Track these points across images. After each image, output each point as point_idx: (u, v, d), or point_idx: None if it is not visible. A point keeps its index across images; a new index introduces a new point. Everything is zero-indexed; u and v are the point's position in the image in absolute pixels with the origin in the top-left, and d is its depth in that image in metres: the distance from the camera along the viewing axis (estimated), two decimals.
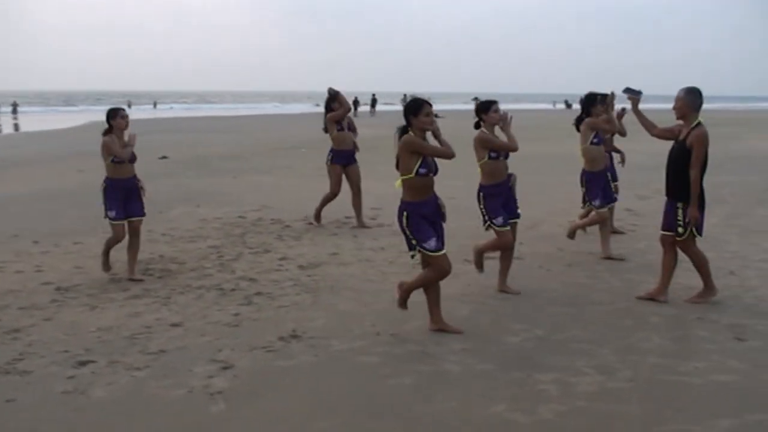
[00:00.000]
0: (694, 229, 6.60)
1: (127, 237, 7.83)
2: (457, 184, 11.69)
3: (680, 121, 6.70)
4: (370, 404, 4.74)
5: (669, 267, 6.86)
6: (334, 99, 10.44)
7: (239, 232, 10.17)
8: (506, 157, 6.98)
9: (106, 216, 7.76)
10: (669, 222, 6.75)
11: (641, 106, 7.10)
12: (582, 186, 8.56)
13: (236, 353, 5.59)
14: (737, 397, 4.79)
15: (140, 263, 8.25)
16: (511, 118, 6.95)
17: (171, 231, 10.23)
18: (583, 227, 9.01)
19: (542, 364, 5.33)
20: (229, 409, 4.66)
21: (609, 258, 8.44)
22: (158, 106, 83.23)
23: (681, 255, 6.86)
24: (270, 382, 5.08)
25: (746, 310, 6.60)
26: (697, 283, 7.13)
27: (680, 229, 6.63)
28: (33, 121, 50.66)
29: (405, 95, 55.76)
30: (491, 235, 7.10)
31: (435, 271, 5.80)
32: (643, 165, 17.19)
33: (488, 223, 6.95)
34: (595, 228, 8.88)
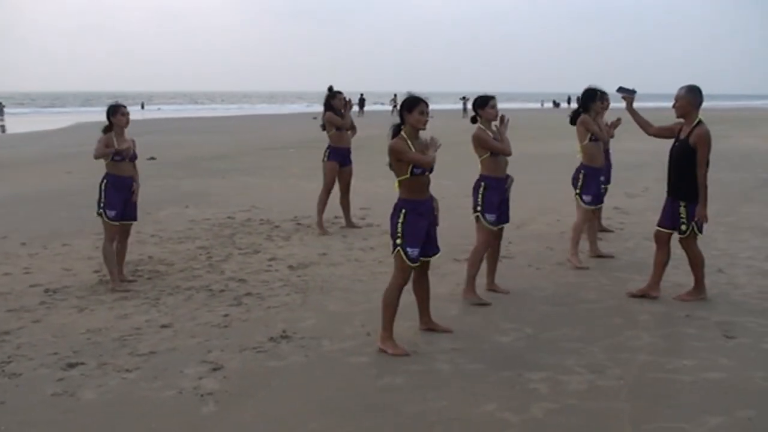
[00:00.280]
0: (697, 229, 6.61)
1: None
2: (446, 183, 11.72)
3: (681, 119, 6.68)
4: (361, 404, 4.74)
5: (661, 263, 6.89)
6: (333, 96, 10.42)
7: (228, 233, 10.15)
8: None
9: (102, 214, 7.49)
10: (668, 219, 6.75)
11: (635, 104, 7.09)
12: (576, 180, 8.30)
13: (226, 354, 5.58)
14: (726, 394, 4.82)
15: (129, 264, 8.22)
16: (507, 120, 6.91)
17: (160, 232, 10.20)
18: (577, 240, 8.71)
19: (532, 362, 5.35)
20: (219, 411, 4.65)
21: (598, 256, 8.46)
22: (146, 107, 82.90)
23: (672, 252, 6.88)
24: (260, 382, 5.07)
25: (734, 307, 6.64)
26: (686, 281, 7.17)
27: (683, 227, 6.64)
28: (20, 122, 50.40)
29: (395, 95, 55.75)
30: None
31: (397, 284, 5.60)
32: (630, 163, 17.30)
33: (478, 214, 6.84)
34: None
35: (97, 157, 7.50)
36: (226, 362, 5.41)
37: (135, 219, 7.82)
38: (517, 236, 9.52)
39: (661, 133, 7.01)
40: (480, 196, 6.84)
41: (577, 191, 8.24)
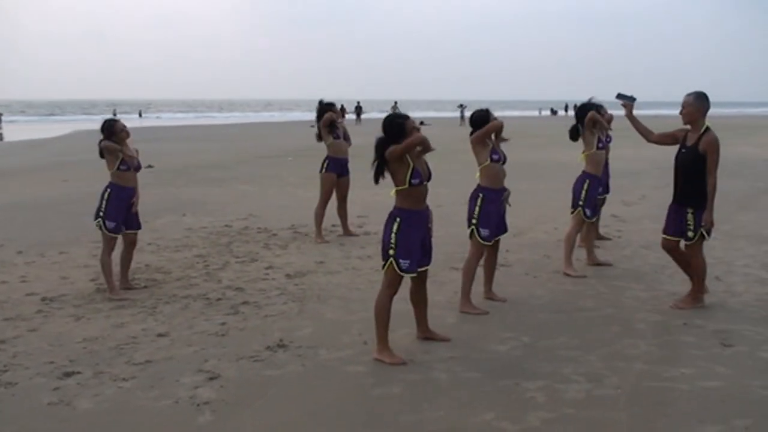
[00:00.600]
0: (705, 233, 6.61)
1: (122, 248, 7.74)
2: (443, 192, 11.72)
3: (685, 127, 6.67)
4: (357, 413, 4.73)
5: (687, 266, 6.85)
6: (325, 110, 10.38)
7: (225, 241, 10.14)
8: (504, 162, 6.91)
9: (100, 224, 7.47)
10: (675, 227, 6.72)
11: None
12: (579, 192, 8.15)
13: (223, 363, 5.56)
14: (724, 402, 4.81)
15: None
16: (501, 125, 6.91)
17: (157, 240, 10.19)
18: (589, 243, 8.64)
19: (530, 371, 5.34)
20: (216, 420, 4.64)
21: (596, 264, 8.46)
22: (145, 114, 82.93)
23: (664, 259, 6.88)
24: (257, 391, 5.06)
25: (732, 315, 6.64)
26: (682, 289, 7.17)
27: (690, 234, 6.64)
28: (18, 130, 50.39)
29: (396, 103, 55.82)
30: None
31: (386, 294, 5.56)
32: (627, 171, 17.33)
33: (473, 227, 6.81)
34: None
35: (127, 164, 7.49)
36: (223, 371, 5.40)
37: (139, 228, 7.81)
38: (515, 244, 9.52)
39: (662, 140, 6.98)
40: (477, 208, 6.79)
41: (581, 203, 8.13)
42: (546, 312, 6.80)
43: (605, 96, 8.32)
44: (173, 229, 11.03)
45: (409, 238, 5.48)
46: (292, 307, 7.01)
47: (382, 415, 4.70)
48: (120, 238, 7.68)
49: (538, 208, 12.48)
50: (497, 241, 7.06)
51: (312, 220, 10.36)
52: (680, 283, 7.46)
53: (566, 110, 77.06)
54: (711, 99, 6.65)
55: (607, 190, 9.20)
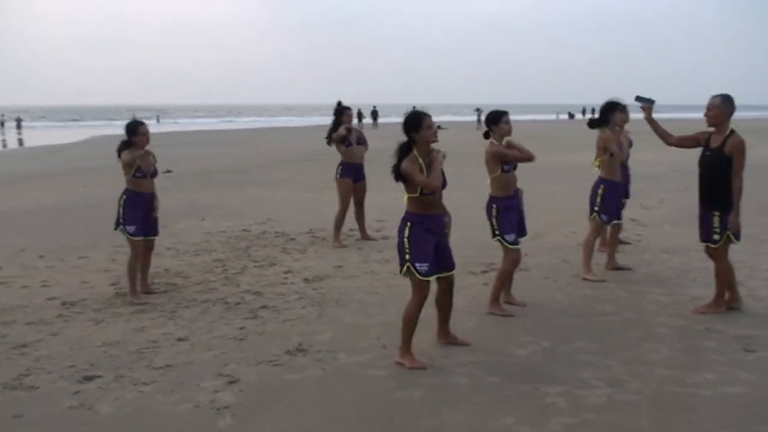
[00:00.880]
0: (732, 237, 6.54)
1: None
2: (460, 195, 11.69)
3: (709, 129, 6.60)
4: (377, 418, 4.72)
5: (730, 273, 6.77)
6: (342, 112, 10.37)
7: (244, 246, 10.17)
8: (515, 169, 6.89)
9: (121, 229, 7.51)
10: (708, 232, 6.65)
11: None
12: (595, 197, 8.12)
13: (242, 367, 5.57)
14: (746, 408, 4.76)
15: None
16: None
17: (176, 245, 10.23)
18: (612, 248, 8.59)
19: (550, 376, 5.31)
20: (235, 424, 4.65)
21: (615, 269, 8.40)
22: (162, 120, 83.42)
23: (686, 263, 6.82)
24: (277, 396, 5.06)
25: (755, 320, 6.57)
26: (703, 294, 7.11)
27: (716, 236, 6.57)
28: (37, 136, 50.86)
29: (414, 108, 55.79)
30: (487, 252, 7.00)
31: (416, 301, 5.52)
32: (646, 174, 17.20)
33: (498, 237, 6.80)
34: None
35: (128, 173, 7.47)
36: (243, 375, 5.41)
37: (157, 234, 7.83)
38: (533, 248, 9.48)
39: (682, 143, 6.90)
40: (494, 219, 6.77)
41: (596, 208, 8.09)
42: (565, 316, 6.76)
43: (623, 99, 8.25)
44: (192, 234, 11.08)
45: (422, 242, 5.44)
46: (311, 311, 7.02)
47: (403, 419, 4.68)
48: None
49: (556, 212, 12.43)
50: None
51: (330, 224, 10.37)
52: (702, 287, 7.40)
53: (583, 114, 76.82)
54: (738, 101, 6.60)
55: (626, 195, 9.12)
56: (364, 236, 10.50)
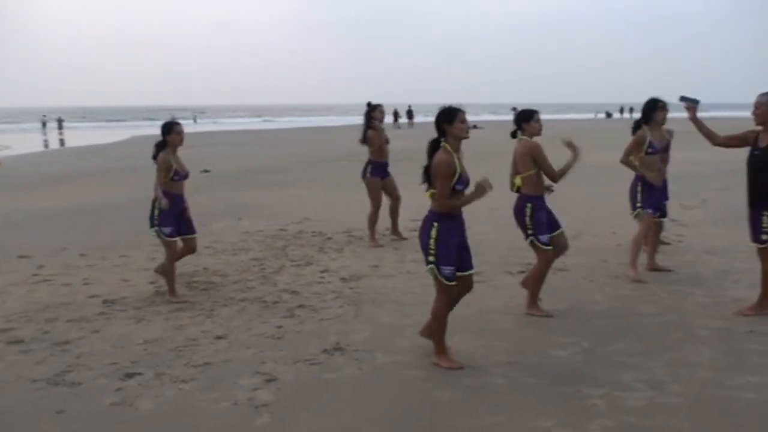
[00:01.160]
0: None
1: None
2: (496, 194, 11.62)
3: (758, 127, 6.46)
4: (414, 418, 4.71)
5: None
6: (374, 110, 10.40)
7: (281, 245, 10.22)
8: None
9: (156, 230, 7.55)
10: (757, 232, 6.50)
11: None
12: (635, 194, 8.07)
13: (280, 366, 5.60)
14: None
15: (184, 276, 8.36)
16: (578, 154, 6.73)
17: (214, 244, 10.32)
18: (652, 248, 8.49)
19: (590, 377, 5.25)
20: (273, 422, 4.67)
21: (655, 270, 8.28)
22: (200, 120, 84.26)
23: (727, 264, 6.71)
24: (314, 395, 5.08)
25: None
26: (745, 295, 6.99)
27: (765, 236, 6.44)
28: (78, 136, 51.68)
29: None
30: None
31: (441, 300, 5.50)
32: (687, 174, 16.95)
33: (531, 238, 6.70)
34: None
35: (166, 176, 7.48)
36: (280, 374, 5.43)
37: (195, 232, 7.88)
38: (572, 248, 9.33)
39: (729, 142, 6.77)
40: (528, 218, 6.65)
41: (639, 204, 8.02)
42: (605, 317, 6.69)
43: (666, 99, 8.13)
44: (230, 233, 11.17)
45: (448, 245, 5.37)
46: (348, 310, 7.03)
47: (439, 419, 4.67)
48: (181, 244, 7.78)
49: (595, 212, 12.30)
50: (563, 237, 6.88)
51: (366, 224, 10.38)
52: (746, 288, 7.28)
53: (621, 112, 76.06)
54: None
55: (665, 197, 8.95)
56: (396, 233, 10.49)
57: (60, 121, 64.03)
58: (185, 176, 7.67)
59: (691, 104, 6.88)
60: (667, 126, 8.46)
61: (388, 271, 8.61)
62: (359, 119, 11.10)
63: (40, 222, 12.63)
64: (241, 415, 4.77)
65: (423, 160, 5.49)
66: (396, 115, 55.49)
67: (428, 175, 5.44)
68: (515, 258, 8.77)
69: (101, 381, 5.37)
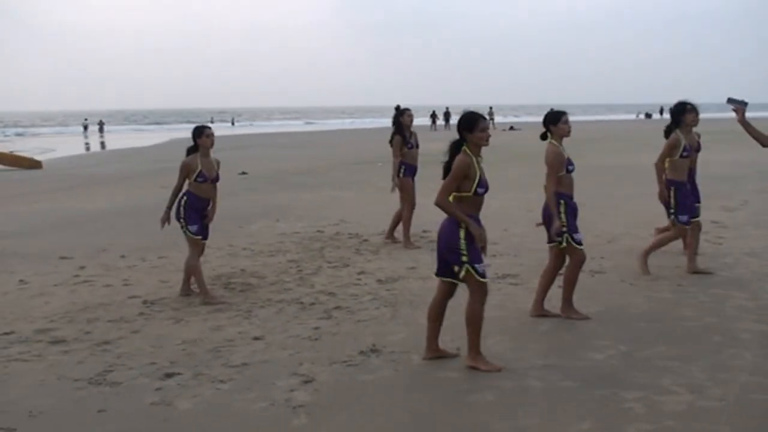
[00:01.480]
0: None
1: (188, 254, 7.85)
2: (533, 197, 11.56)
3: None
4: (451, 420, 4.71)
5: None
6: (402, 114, 10.40)
7: (318, 247, 10.27)
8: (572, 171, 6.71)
9: (183, 228, 7.68)
10: None
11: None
12: (668, 199, 8.06)
13: (317, 367, 5.63)
14: None
15: (222, 277, 8.46)
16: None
17: (251, 245, 10.41)
18: (657, 247, 8.42)
19: (627, 381, 5.20)
20: (310, 423, 4.70)
21: (695, 272, 8.17)
22: (238, 122, 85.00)
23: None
24: (350, 396, 5.10)
25: None
26: None
27: None
28: (119, 139, 52.46)
29: (491, 108, 55.56)
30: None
31: (479, 300, 5.48)
32: (727, 175, 16.71)
33: (566, 235, 6.55)
34: (678, 242, 8.64)
35: (189, 177, 7.64)
36: (317, 375, 5.46)
37: (206, 238, 7.93)
38: (610, 251, 9.31)
39: None
40: (562, 215, 6.54)
41: (672, 210, 8.02)
42: (644, 320, 6.61)
43: (706, 98, 8.04)
44: (267, 235, 11.25)
45: (474, 244, 5.40)
46: (384, 312, 7.04)
47: (476, 422, 4.66)
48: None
49: (634, 214, 12.16)
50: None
51: (402, 226, 10.37)
52: None
53: (661, 113, 75.22)
54: None
55: (697, 199, 8.81)
56: (390, 236, 10.50)
57: (101, 125, 65.05)
58: (212, 180, 7.72)
59: (738, 106, 6.78)
60: (697, 135, 8.47)
61: (424, 272, 8.59)
62: (388, 122, 11.08)
63: (81, 223, 12.85)
64: (278, 416, 4.80)
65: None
66: (434, 116, 55.40)
67: (447, 173, 5.47)
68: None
69: (141, 381, 5.45)
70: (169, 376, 5.52)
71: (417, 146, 10.55)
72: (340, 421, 4.73)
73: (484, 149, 5.55)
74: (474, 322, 5.52)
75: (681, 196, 8.01)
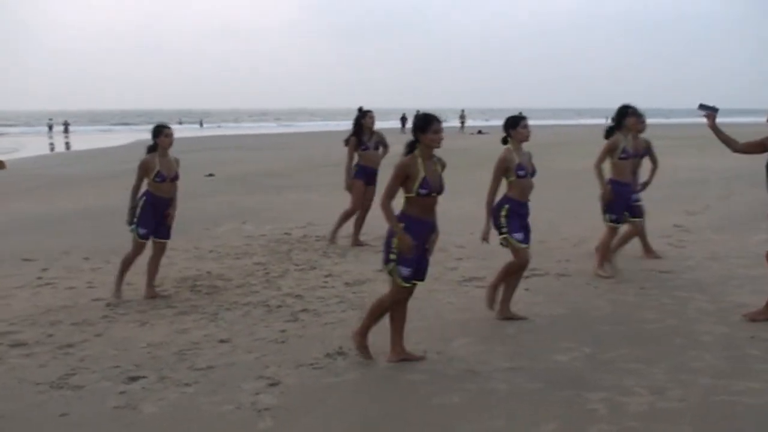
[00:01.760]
0: None
1: (150, 253, 7.88)
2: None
3: None
4: (416, 422, 4.72)
5: None
6: (364, 116, 10.41)
7: (285, 249, 10.24)
8: (533, 175, 6.78)
9: (132, 228, 7.68)
10: None
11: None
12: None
13: (283, 370, 5.61)
14: None
15: (188, 279, 8.41)
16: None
17: (218, 248, 10.35)
18: (605, 252, 8.48)
19: (591, 382, 5.26)
20: (276, 426, 4.69)
21: (598, 275, 8.24)
22: (206, 124, 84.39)
23: (731, 270, 6.71)
24: (316, 399, 5.10)
25: None
26: (749, 301, 6.99)
27: None
28: (84, 139, 51.81)
29: (462, 111, 55.71)
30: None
31: (390, 297, 5.65)
32: (692, 180, 16.97)
33: (505, 236, 6.64)
34: (636, 244, 8.86)
35: (148, 176, 7.66)
36: (283, 378, 5.45)
37: (168, 238, 7.93)
38: (575, 254, 9.41)
39: (749, 149, 6.78)
40: (502, 218, 6.62)
41: (604, 209, 8.32)
42: (607, 323, 6.69)
43: (676, 104, 8.21)
44: (234, 237, 11.19)
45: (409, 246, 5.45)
46: (351, 315, 7.04)
47: (441, 424, 4.68)
48: (149, 245, 7.85)
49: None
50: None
51: (371, 228, 10.37)
52: (749, 294, 7.27)
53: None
54: None
55: (634, 199, 8.89)
56: (356, 242, 10.41)
57: (66, 125, 64.19)
58: (171, 178, 7.72)
59: (710, 112, 6.89)
60: (644, 136, 8.69)
61: None
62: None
63: (44, 225, 12.68)
64: (244, 419, 4.79)
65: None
66: (404, 119, 55.35)
67: None
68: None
69: (104, 384, 5.39)
70: (133, 379, 5.47)
71: (385, 147, 10.55)
72: (306, 423, 4.73)
73: (453, 153, 5.59)
74: (375, 310, 5.73)
75: (616, 197, 8.24)
